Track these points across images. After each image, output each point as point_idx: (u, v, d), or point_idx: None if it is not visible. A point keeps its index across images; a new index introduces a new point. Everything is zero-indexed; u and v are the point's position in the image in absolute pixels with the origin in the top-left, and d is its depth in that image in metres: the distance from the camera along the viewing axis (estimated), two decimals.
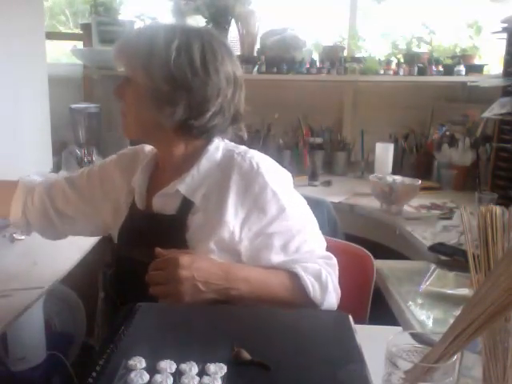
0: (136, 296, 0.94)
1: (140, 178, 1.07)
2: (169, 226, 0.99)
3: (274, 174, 1.00)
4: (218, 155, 1.02)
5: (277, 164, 1.04)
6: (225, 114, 1.01)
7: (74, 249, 1.47)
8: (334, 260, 1.04)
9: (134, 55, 0.97)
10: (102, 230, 1.21)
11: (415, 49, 2.52)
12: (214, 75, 0.96)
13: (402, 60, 2.49)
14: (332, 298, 0.99)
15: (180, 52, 0.94)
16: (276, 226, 0.97)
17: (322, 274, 0.98)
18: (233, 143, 1.07)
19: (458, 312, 0.59)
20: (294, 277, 0.96)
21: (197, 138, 1.03)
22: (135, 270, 0.97)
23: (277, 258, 0.98)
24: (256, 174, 0.97)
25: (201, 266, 0.91)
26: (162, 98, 0.96)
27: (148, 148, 1.15)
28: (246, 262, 0.98)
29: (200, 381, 0.64)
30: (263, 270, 0.97)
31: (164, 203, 1.02)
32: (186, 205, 0.99)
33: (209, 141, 1.04)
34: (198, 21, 2.48)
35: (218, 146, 1.03)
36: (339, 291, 1.02)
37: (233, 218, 0.96)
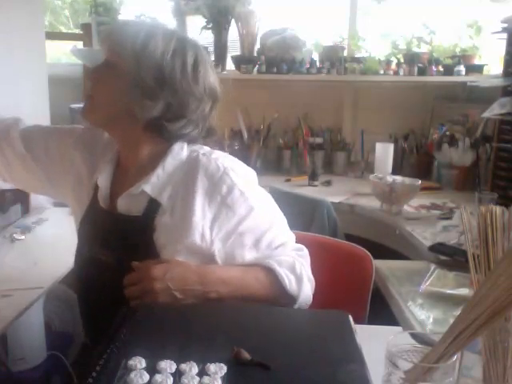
0: (97, 294, 0.96)
1: (104, 175, 1.04)
2: (135, 228, 0.97)
3: (240, 174, 0.99)
4: (183, 155, 1.00)
5: (241, 163, 1.03)
6: (198, 126, 1.01)
7: (74, 249, 1.47)
8: (306, 251, 1.05)
9: (127, 41, 0.94)
10: (59, 198, 1.21)
11: (415, 49, 2.53)
12: (200, 84, 0.97)
13: (402, 60, 2.50)
14: (308, 289, 1.00)
15: (176, 53, 0.95)
16: (246, 224, 0.97)
17: (295, 265, 0.99)
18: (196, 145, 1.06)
19: (457, 312, 0.59)
20: (270, 272, 0.97)
21: (164, 141, 1.01)
22: (97, 269, 0.98)
23: (250, 255, 0.98)
24: (223, 175, 0.96)
25: (175, 274, 0.90)
26: (145, 90, 0.94)
27: (107, 137, 1.10)
28: (220, 263, 0.98)
29: (200, 381, 0.64)
30: (238, 269, 0.97)
31: (129, 204, 0.99)
32: (153, 206, 0.97)
33: (172, 144, 1.02)
34: (197, 21, 2.48)
35: (183, 146, 1.02)
36: (313, 281, 1.03)
37: (201, 219, 0.95)
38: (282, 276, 0.96)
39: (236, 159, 1.03)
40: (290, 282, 0.96)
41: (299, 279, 0.98)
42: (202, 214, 0.95)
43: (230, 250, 0.98)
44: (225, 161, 0.99)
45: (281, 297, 0.97)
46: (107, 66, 0.97)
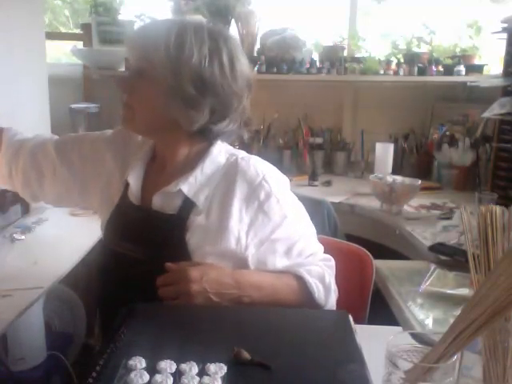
0: (123, 289, 0.95)
1: (136, 172, 1.04)
2: (168, 225, 0.98)
3: (277, 181, 1.01)
4: (222, 159, 1.02)
5: (276, 169, 1.04)
6: (239, 119, 1.02)
7: (74, 249, 1.47)
8: (333, 262, 1.06)
9: (159, 49, 0.91)
10: (90, 207, 1.22)
11: (415, 49, 2.52)
12: (239, 81, 0.96)
13: (402, 60, 2.49)
14: (333, 300, 1.02)
15: (212, 56, 0.92)
16: (279, 232, 0.98)
17: (325, 276, 1.00)
18: (231, 147, 1.07)
19: (457, 312, 0.59)
20: (300, 280, 0.98)
21: (203, 140, 1.02)
22: (124, 264, 0.97)
23: (281, 262, 0.99)
24: (261, 181, 0.98)
25: (211, 277, 0.91)
26: (187, 100, 0.93)
27: (140, 137, 1.11)
28: (251, 268, 0.98)
29: (200, 381, 0.64)
30: (271, 275, 0.98)
31: (164, 202, 1.00)
32: (188, 205, 0.98)
33: (211, 143, 1.03)
34: None
35: (221, 150, 1.03)
36: (337, 292, 1.04)
37: (238, 224, 0.96)
38: (311, 285, 0.97)
39: (271, 165, 1.04)
40: (318, 291, 0.98)
41: (327, 289, 1.00)
42: (238, 218, 0.96)
43: (262, 255, 0.98)
44: (263, 167, 1.01)
45: (308, 304, 0.98)
46: (140, 73, 0.95)
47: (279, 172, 1.04)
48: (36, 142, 1.16)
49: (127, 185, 1.05)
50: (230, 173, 0.99)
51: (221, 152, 1.02)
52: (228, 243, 0.95)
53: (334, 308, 1.02)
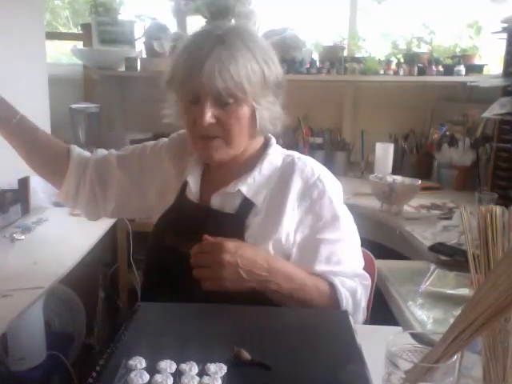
0: (177, 285, 0.95)
1: (194, 172, 1.08)
2: (227, 224, 1.00)
3: (332, 183, 1.04)
4: (279, 160, 1.06)
5: (331, 173, 1.07)
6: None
7: (74, 249, 1.47)
8: (369, 282, 1.06)
9: (255, 73, 0.96)
10: (145, 212, 1.23)
11: (415, 49, 2.53)
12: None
13: (402, 60, 2.49)
14: (361, 319, 1.01)
15: (278, 72, 1.02)
16: (326, 233, 0.99)
17: (357, 291, 0.99)
18: (284, 149, 1.11)
19: (457, 312, 0.59)
20: (331, 287, 0.97)
21: (260, 142, 1.08)
22: (178, 260, 0.95)
23: (319, 266, 0.99)
24: (316, 180, 1.01)
25: (246, 254, 0.91)
26: (274, 115, 1.02)
27: None
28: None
29: (200, 381, 0.64)
30: (304, 272, 0.98)
31: (223, 201, 1.03)
32: (247, 205, 1.01)
33: (266, 144, 1.08)
34: (198, 21, 2.48)
35: (277, 151, 1.07)
36: (366, 313, 1.04)
37: (289, 220, 0.99)
38: (341, 295, 0.96)
39: (326, 168, 1.07)
40: (347, 303, 0.97)
41: (357, 305, 0.99)
42: (291, 215, 0.99)
43: (303, 255, 1.00)
44: (319, 167, 1.05)
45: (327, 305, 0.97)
46: (236, 105, 0.97)
47: (333, 175, 1.07)
48: (99, 156, 1.20)
49: (185, 184, 1.08)
50: (288, 172, 1.03)
51: (277, 153, 1.07)
52: (279, 239, 0.98)
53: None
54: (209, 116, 0.94)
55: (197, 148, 1.03)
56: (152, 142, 1.20)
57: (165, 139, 1.19)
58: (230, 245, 0.90)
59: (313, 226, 1.00)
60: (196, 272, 0.90)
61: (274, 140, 1.10)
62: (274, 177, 1.03)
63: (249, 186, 1.01)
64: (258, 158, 1.05)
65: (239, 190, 1.01)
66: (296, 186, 1.00)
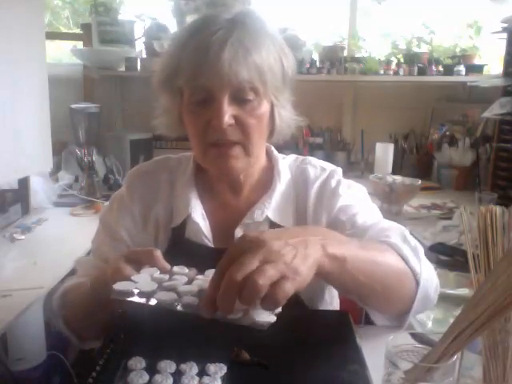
0: None
1: (196, 207, 0.89)
2: None
3: (341, 173, 1.00)
4: (287, 173, 0.95)
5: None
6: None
7: (74, 249, 1.47)
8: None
9: (273, 68, 0.83)
10: None
11: (415, 49, 2.53)
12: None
13: (402, 60, 2.50)
14: (427, 266, 0.83)
15: (293, 65, 0.90)
16: (356, 207, 0.95)
17: (405, 234, 0.84)
18: (283, 155, 1.01)
19: (457, 312, 0.59)
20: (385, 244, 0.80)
21: (269, 153, 0.98)
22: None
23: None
24: (329, 174, 0.96)
25: (275, 231, 0.73)
26: (286, 119, 0.89)
27: (172, 165, 0.97)
28: None
29: (200, 381, 0.64)
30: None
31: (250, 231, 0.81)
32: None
33: (269, 153, 0.97)
34: None
35: (284, 163, 0.97)
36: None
37: (314, 223, 0.92)
38: (397, 245, 0.79)
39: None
40: (408, 254, 0.79)
41: (414, 250, 0.81)
42: (312, 218, 0.92)
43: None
44: (325, 163, 1.00)
45: (404, 273, 0.78)
46: (257, 102, 0.83)
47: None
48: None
49: (182, 225, 0.89)
50: (300, 183, 0.94)
51: (284, 165, 0.96)
52: None
53: (435, 279, 0.86)
54: (228, 116, 0.79)
55: (209, 159, 0.84)
56: (113, 208, 0.97)
57: (122, 189, 0.98)
58: (252, 233, 0.65)
59: (335, 205, 0.92)
60: (260, 278, 0.58)
61: (273, 147, 0.99)
62: (290, 191, 0.93)
63: (273, 209, 0.89)
64: (269, 172, 0.94)
65: (267, 217, 0.87)
66: (312, 191, 0.93)
